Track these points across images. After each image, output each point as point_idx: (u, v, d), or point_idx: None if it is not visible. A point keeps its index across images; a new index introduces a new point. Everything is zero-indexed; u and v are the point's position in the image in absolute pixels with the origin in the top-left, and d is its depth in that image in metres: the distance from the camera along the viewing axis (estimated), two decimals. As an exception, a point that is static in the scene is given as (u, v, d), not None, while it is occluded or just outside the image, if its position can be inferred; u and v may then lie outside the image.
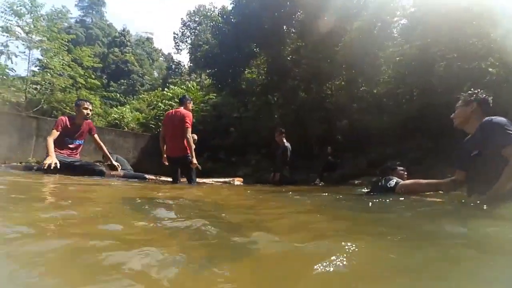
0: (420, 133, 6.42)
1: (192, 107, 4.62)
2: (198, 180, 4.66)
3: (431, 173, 3.97)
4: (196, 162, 4.10)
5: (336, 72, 8.74)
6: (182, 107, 4.31)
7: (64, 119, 4.02)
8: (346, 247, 0.82)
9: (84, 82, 13.48)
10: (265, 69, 12.02)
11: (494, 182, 1.87)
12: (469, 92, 2.26)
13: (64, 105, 12.42)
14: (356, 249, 0.81)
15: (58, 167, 3.46)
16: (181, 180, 4.36)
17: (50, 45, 11.56)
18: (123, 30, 42.16)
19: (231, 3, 13.07)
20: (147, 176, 4.45)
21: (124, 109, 16.56)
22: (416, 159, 5.77)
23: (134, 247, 0.81)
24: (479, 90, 2.27)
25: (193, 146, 4.16)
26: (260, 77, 12.34)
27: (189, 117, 4.18)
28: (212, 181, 5.12)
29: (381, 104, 7.81)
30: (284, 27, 11.79)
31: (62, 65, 12.04)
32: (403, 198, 2.35)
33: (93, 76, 14.57)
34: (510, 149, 1.83)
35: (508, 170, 1.81)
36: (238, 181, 5.53)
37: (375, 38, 7.70)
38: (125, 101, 23.91)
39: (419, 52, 6.28)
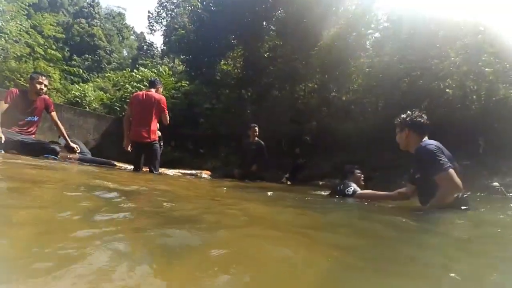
0: (382, 144, 6.84)
1: (162, 92, 4.46)
2: (161, 170, 4.54)
3: (387, 184, 4.24)
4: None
5: (310, 74, 8.96)
6: (153, 90, 4.14)
7: (15, 91, 3.68)
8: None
9: (43, 52, 12.28)
10: (241, 62, 11.93)
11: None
12: (400, 118, 2.38)
13: (19, 75, 11.25)
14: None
15: (3, 141, 3.17)
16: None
17: (8, 7, 10.37)
18: (93, 1, 39.13)
19: (212, -11, 12.73)
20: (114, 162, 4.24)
21: (87, 86, 15.50)
22: (377, 168, 6.15)
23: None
24: (409, 112, 2.36)
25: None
26: (236, 70, 12.23)
27: (164, 101, 4.08)
28: (179, 172, 5.01)
29: (349, 111, 8.18)
30: (264, 23, 11.78)
31: (20, 30, 10.88)
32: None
33: (54, 47, 13.30)
34: (440, 178, 2.02)
35: (438, 195, 2.03)
36: (205, 173, 5.46)
37: (349, 47, 8.01)
38: (89, 78, 22.32)
39: (387, 66, 6.66)
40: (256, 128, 5.79)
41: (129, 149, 4.11)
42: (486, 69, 5.51)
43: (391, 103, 6.88)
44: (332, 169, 6.65)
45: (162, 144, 4.83)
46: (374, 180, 5.21)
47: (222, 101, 11.10)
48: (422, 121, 2.28)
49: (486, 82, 5.58)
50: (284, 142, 8.78)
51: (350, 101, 8.36)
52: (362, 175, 3.22)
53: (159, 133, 4.35)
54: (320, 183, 5.88)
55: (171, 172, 4.87)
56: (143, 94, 4.10)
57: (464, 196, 2.13)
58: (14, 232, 0.85)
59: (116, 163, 4.35)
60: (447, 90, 5.90)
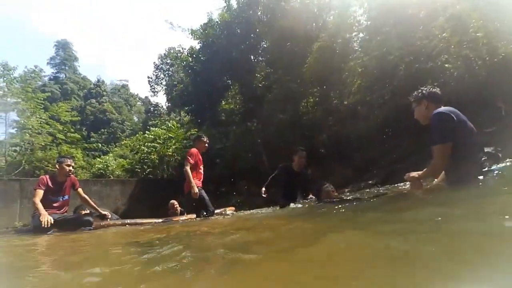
0: (397, 135, 6.70)
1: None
2: (189, 216, 4.67)
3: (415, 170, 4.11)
4: (196, 191, 4.27)
5: (307, 91, 9.17)
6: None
7: (45, 178, 3.99)
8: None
9: (64, 137, 13.35)
10: (241, 98, 12.42)
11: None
12: (416, 91, 2.41)
13: (46, 163, 12.16)
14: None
15: (52, 222, 3.42)
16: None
17: (26, 105, 11.57)
18: (98, 81, 42.72)
19: (198, 43, 13.71)
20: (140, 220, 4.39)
21: (108, 157, 16.42)
22: (397, 159, 5.98)
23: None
24: (421, 88, 2.43)
25: (189, 177, 4.34)
26: (237, 106, 12.69)
27: (188, 153, 4.57)
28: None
29: (356, 113, 8.15)
30: (252, 57, 12.42)
31: (40, 123, 11.98)
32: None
33: (72, 130, 14.46)
34: (435, 149, 2.06)
35: (429, 166, 2.14)
36: (230, 210, 5.50)
37: (337, 54, 8.22)
38: (108, 149, 23.70)
39: (378, 61, 6.74)
40: (299, 155, 4.54)
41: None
42: (478, 34, 5.46)
43: (396, 93, 6.84)
44: (354, 172, 6.52)
45: None
46: (398, 173, 5.06)
47: (232, 139, 11.39)
48: (436, 91, 2.33)
49: (483, 45, 5.50)
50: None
51: (355, 103, 8.37)
52: (332, 188, 3.51)
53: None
54: (346, 190, 5.72)
55: (186, 217, 4.95)
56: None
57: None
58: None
59: (144, 220, 4.48)
60: (446, 65, 5.84)
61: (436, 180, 2.49)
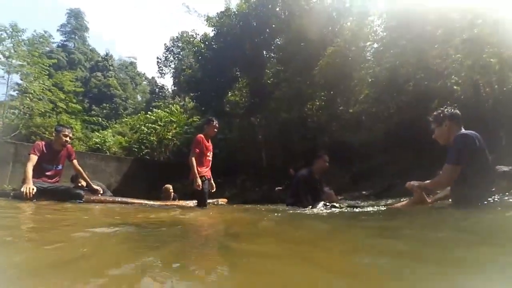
0: (401, 148, 6.70)
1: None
2: (181, 202, 4.65)
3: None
4: (199, 183, 3.97)
5: (315, 93, 9.12)
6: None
7: (41, 144, 3.95)
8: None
9: (65, 107, 13.30)
10: (248, 92, 12.35)
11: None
12: (437, 112, 2.41)
13: (43, 129, 12.12)
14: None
15: (34, 192, 3.38)
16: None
17: (31, 69, 11.48)
18: (106, 55, 42.40)
19: (212, 30, 13.59)
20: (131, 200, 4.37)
21: (106, 133, 16.38)
22: (399, 172, 5.98)
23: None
24: (445, 106, 2.45)
25: (194, 169, 4.02)
26: (244, 99, 12.63)
27: (194, 142, 4.21)
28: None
29: (360, 122, 8.14)
30: (264, 52, 12.33)
31: (42, 89, 11.91)
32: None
33: (74, 101, 14.39)
34: (446, 167, 2.13)
35: (433, 181, 2.28)
36: (222, 201, 5.55)
37: (349, 61, 8.17)
38: (107, 125, 23.60)
39: (390, 73, 6.71)
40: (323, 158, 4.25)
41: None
42: (492, 60, 5.43)
43: (402, 108, 6.83)
44: (352, 180, 6.53)
45: None
46: (394, 187, 5.07)
47: (234, 131, 11.37)
48: (457, 112, 2.33)
49: (494, 73, 5.49)
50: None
51: (360, 112, 8.35)
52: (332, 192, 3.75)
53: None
54: (340, 198, 5.74)
55: (188, 202, 4.93)
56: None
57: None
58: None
59: (134, 200, 4.47)
60: (455, 87, 5.83)
61: (439, 192, 2.56)
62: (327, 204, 3.50)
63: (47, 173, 3.92)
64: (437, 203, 2.53)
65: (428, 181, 2.32)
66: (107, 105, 34.99)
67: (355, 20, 9.07)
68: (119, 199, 4.35)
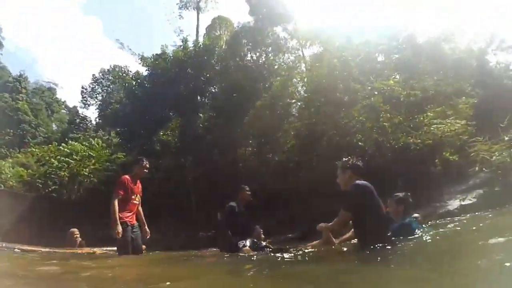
0: (320, 195, 7.37)
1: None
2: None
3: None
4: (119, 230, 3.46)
5: (247, 140, 9.79)
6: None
7: None
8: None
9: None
10: (180, 133, 12.37)
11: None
12: (345, 160, 2.70)
13: None
14: None
15: None
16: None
17: None
18: (20, 76, 37.27)
19: (146, 70, 13.65)
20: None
21: (4, 163, 13.78)
22: (316, 218, 6.52)
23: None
24: (353, 156, 2.79)
25: (115, 214, 3.52)
26: (175, 139, 12.50)
27: (118, 183, 3.76)
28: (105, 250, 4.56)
29: (285, 170, 8.83)
30: (198, 97, 12.87)
31: None
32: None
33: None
34: (340, 212, 2.45)
35: (332, 223, 2.54)
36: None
37: (276, 114, 9.19)
38: (8, 153, 19.86)
39: (308, 129, 7.77)
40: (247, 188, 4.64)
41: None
42: (385, 124, 6.81)
43: (322, 159, 7.76)
44: (277, 223, 6.87)
45: None
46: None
47: (162, 170, 10.92)
48: (360, 164, 2.65)
49: (389, 133, 6.81)
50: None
51: (287, 160, 9.10)
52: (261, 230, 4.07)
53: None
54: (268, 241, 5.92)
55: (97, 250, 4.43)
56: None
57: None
58: None
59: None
60: (360, 143, 7.02)
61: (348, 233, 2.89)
62: (255, 241, 3.65)
63: None
64: (344, 243, 2.85)
65: (330, 223, 2.58)
66: (11, 131, 29.76)
67: (282, 80, 10.39)
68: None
